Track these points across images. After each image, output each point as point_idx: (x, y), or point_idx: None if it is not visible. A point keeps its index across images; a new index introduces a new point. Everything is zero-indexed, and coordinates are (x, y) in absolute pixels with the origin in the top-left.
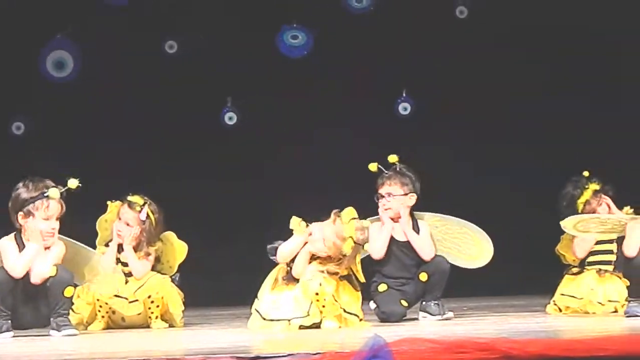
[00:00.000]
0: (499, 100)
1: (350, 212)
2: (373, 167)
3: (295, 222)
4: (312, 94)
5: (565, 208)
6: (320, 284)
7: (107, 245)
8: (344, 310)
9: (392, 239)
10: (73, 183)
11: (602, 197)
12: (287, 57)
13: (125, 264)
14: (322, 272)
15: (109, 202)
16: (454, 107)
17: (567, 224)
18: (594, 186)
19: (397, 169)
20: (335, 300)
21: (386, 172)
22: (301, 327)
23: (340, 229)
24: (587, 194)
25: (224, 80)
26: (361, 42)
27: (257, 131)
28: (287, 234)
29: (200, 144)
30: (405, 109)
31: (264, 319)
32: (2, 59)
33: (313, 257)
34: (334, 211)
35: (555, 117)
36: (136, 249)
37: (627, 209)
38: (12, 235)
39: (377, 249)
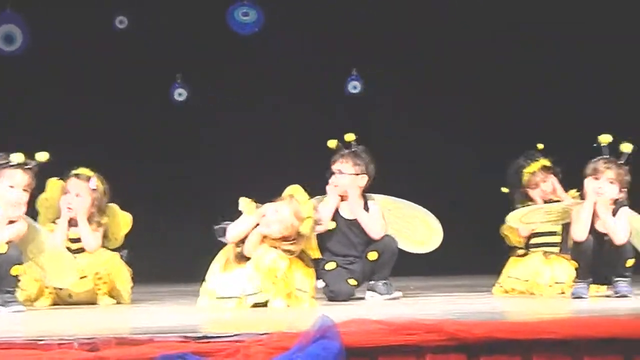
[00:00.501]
0: (448, 78)
1: (297, 189)
2: (332, 143)
3: (245, 203)
4: (263, 71)
5: (510, 176)
6: (274, 260)
7: (54, 222)
8: (296, 288)
9: (340, 216)
10: (42, 156)
11: (549, 174)
12: (238, 34)
13: (73, 240)
14: (276, 248)
15: (50, 180)
16: (404, 86)
17: (511, 218)
18: (544, 161)
19: (353, 149)
20: (287, 278)
21: (343, 150)
22: (254, 305)
23: (298, 209)
24: (534, 166)
25: (174, 57)
26: (313, 20)
27: (207, 108)
28: (236, 213)
29: (150, 120)
30: (355, 87)
31: (214, 297)
32: None
33: (264, 238)
34: (287, 190)
35: (501, 93)
36: (89, 221)
37: (573, 192)
38: None
39: (323, 219)
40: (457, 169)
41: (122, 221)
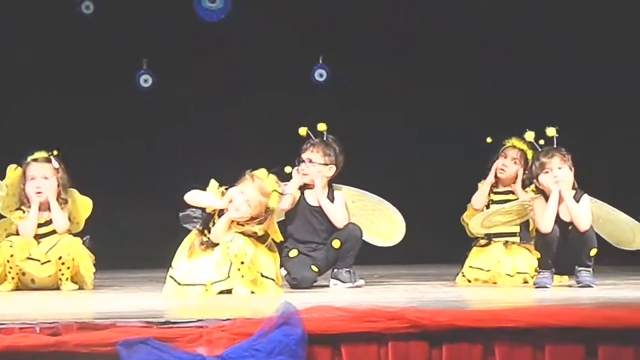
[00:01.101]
0: (417, 65)
1: (262, 171)
2: (303, 131)
3: (214, 185)
4: (229, 58)
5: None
6: (241, 246)
7: (21, 210)
8: (261, 274)
9: (305, 202)
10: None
11: (518, 161)
12: (204, 21)
13: (39, 225)
14: (242, 233)
15: (9, 167)
16: (370, 74)
17: (473, 224)
18: (520, 143)
19: (325, 138)
20: (252, 264)
21: (313, 139)
22: (220, 292)
23: (261, 184)
24: (512, 142)
25: (140, 43)
26: (280, 6)
27: (173, 94)
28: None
29: (116, 106)
30: (321, 75)
31: (180, 284)
32: None
33: (232, 223)
34: (247, 172)
35: (474, 76)
36: (57, 201)
37: (532, 187)
38: None
39: (284, 204)
40: (423, 156)
41: (82, 205)
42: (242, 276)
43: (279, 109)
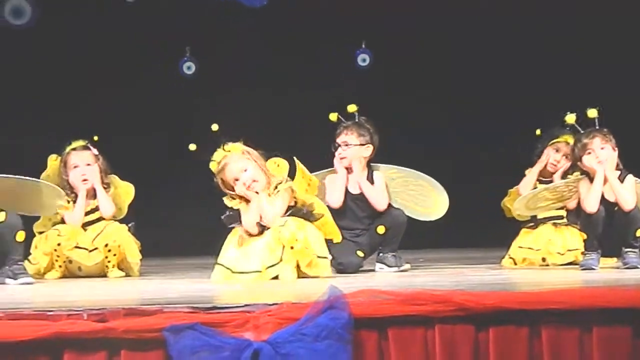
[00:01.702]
0: (461, 55)
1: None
2: (333, 116)
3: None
4: (272, 44)
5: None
6: (293, 230)
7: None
8: (317, 256)
9: (346, 191)
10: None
11: (563, 153)
12: (247, 7)
13: (86, 213)
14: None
15: (50, 157)
16: (413, 60)
17: (518, 206)
18: (570, 139)
19: (356, 119)
20: (306, 247)
21: (345, 122)
22: (274, 278)
23: (238, 152)
24: (567, 139)
25: (183, 30)
26: None
27: (216, 82)
28: None
29: (158, 93)
30: (364, 60)
31: (233, 271)
32: None
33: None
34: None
35: (517, 73)
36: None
37: (575, 174)
38: None
39: (335, 199)
40: (466, 140)
41: (124, 191)
42: (297, 260)
43: (320, 96)
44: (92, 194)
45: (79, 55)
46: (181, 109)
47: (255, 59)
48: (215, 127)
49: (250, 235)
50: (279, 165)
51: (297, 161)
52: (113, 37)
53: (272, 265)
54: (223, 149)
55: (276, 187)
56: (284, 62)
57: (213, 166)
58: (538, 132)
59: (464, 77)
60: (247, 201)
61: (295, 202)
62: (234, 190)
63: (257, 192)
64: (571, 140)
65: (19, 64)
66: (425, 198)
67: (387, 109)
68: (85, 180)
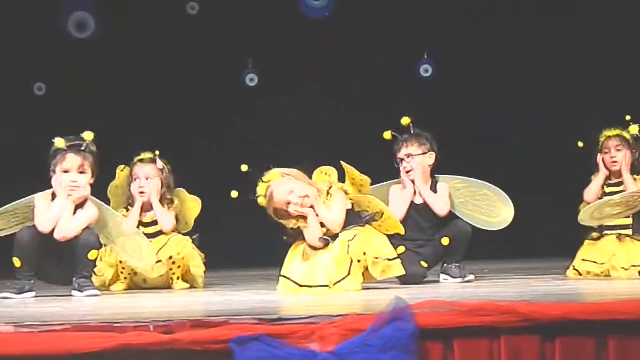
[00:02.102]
0: (524, 62)
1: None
2: (387, 135)
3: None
4: (334, 55)
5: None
6: (362, 244)
7: (126, 209)
8: (388, 260)
9: (411, 202)
10: (88, 135)
11: (625, 147)
12: (308, 18)
13: (146, 225)
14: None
15: (118, 168)
16: (475, 70)
17: (583, 216)
18: (623, 132)
19: (412, 131)
20: (376, 258)
21: (401, 136)
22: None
23: (292, 176)
24: (613, 132)
25: (246, 42)
26: (383, 2)
27: (278, 93)
28: None
29: (222, 105)
30: (427, 71)
31: (300, 285)
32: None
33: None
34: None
35: (578, 76)
36: (161, 202)
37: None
38: (48, 192)
39: (398, 212)
40: (530, 150)
41: (191, 205)
42: (366, 268)
43: (384, 105)
44: (151, 207)
45: (143, 70)
46: (243, 120)
47: (317, 70)
48: (244, 168)
49: (315, 249)
50: (327, 174)
51: (344, 164)
52: (177, 50)
53: (340, 280)
54: (262, 181)
55: (328, 193)
56: (343, 73)
57: (262, 201)
58: (580, 144)
59: (530, 87)
60: (305, 218)
61: (353, 205)
62: (289, 215)
63: (311, 207)
64: (611, 132)
65: (76, 78)
66: (491, 208)
67: (451, 120)
68: (142, 193)
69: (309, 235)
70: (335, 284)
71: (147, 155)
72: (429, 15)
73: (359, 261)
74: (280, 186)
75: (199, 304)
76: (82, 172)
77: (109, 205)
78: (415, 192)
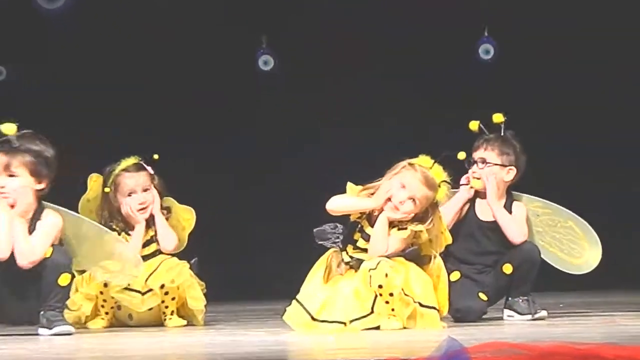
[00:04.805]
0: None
1: (425, 158)
2: (474, 125)
3: (354, 190)
4: (373, 31)
5: None
6: (387, 275)
7: (127, 234)
8: (420, 304)
9: (472, 216)
10: (7, 128)
11: None
12: None
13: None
14: (389, 257)
15: (90, 177)
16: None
17: None
18: None
19: (502, 133)
20: (406, 295)
21: (487, 134)
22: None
23: (427, 174)
24: None
25: (259, 18)
26: None
27: (297, 80)
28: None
29: (231, 94)
30: (487, 51)
31: (314, 318)
32: None
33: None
34: (405, 160)
35: None
36: None
37: None
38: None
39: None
40: (617, 164)
41: (183, 217)
42: (392, 309)
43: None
44: (147, 224)
45: (132, 46)
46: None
47: (354, 50)
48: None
49: (343, 268)
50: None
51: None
52: (173, 26)
53: (360, 318)
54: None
55: (406, 227)
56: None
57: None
58: None
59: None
60: (371, 218)
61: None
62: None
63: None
64: None
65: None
66: (573, 245)
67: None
68: (143, 209)
69: (374, 240)
70: (352, 321)
71: (132, 160)
72: None
73: (380, 295)
74: (412, 177)
75: (198, 346)
76: (10, 175)
77: None
78: (469, 199)
